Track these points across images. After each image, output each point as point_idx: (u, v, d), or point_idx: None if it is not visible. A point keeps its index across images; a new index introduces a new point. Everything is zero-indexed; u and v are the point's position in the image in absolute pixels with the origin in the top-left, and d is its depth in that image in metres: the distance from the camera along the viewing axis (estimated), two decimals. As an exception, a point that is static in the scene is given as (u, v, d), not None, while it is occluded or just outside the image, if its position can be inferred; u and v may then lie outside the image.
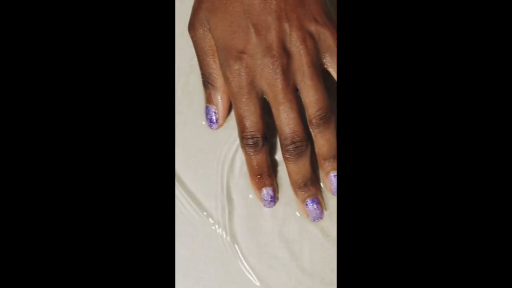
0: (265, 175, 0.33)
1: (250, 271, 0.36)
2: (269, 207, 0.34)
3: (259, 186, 0.34)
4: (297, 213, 0.36)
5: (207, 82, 0.34)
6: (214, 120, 0.34)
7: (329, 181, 0.33)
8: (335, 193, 0.34)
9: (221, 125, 0.35)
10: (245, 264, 0.36)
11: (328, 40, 0.32)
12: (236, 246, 0.36)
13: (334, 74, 0.33)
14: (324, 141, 0.33)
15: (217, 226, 0.36)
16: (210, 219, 0.36)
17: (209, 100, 0.34)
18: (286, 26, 0.31)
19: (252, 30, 0.31)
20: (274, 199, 0.34)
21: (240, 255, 0.36)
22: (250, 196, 0.36)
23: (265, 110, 0.34)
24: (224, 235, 0.36)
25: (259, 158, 0.33)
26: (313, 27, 0.32)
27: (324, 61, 0.32)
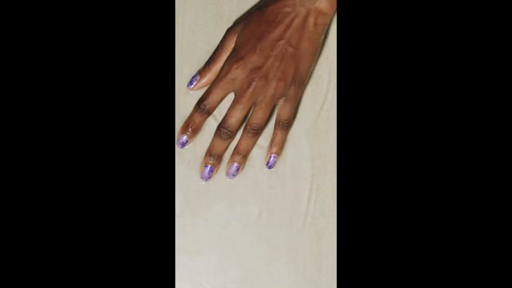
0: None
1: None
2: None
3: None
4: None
5: (208, 63, 0.45)
6: (193, 83, 0.45)
7: (230, 166, 0.44)
8: (229, 177, 0.44)
9: (193, 89, 0.45)
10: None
11: (291, 93, 0.44)
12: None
13: (277, 111, 0.45)
14: (245, 144, 0.44)
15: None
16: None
17: (201, 74, 0.45)
18: (276, 65, 0.43)
19: (257, 50, 0.43)
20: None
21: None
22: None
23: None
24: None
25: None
26: (289, 80, 0.43)
27: (280, 100, 0.44)
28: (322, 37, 0.45)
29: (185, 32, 0.45)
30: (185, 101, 0.44)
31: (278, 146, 0.44)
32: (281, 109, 0.44)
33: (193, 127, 0.44)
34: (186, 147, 0.44)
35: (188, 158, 0.44)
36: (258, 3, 0.46)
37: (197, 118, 0.44)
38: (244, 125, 0.44)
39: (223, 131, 0.43)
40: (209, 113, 0.44)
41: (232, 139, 0.44)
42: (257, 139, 0.44)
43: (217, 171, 0.44)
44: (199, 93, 0.44)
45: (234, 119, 0.43)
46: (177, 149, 0.44)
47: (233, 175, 0.44)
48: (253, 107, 0.43)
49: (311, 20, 0.43)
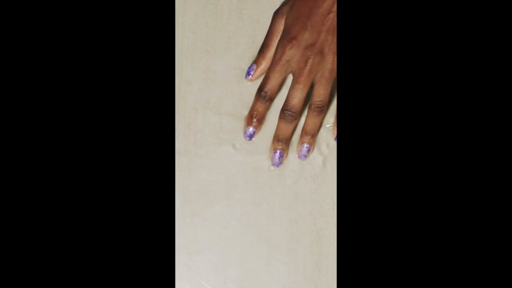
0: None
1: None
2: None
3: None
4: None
5: (261, 50, 0.45)
6: (250, 74, 0.45)
7: (300, 148, 0.44)
8: (301, 158, 0.44)
9: (252, 80, 0.45)
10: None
11: None
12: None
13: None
14: (312, 124, 0.43)
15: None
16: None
17: (257, 62, 0.45)
18: (330, 39, 0.42)
19: (308, 27, 0.42)
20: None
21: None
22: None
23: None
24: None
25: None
26: None
27: None
28: None
29: (185, 32, 0.45)
30: (185, 101, 0.44)
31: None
32: None
33: (257, 117, 0.44)
34: (253, 138, 0.44)
35: (188, 158, 0.44)
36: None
37: (260, 107, 0.44)
38: (308, 105, 0.43)
39: (287, 114, 0.43)
40: (271, 99, 0.43)
41: (298, 121, 0.44)
42: (323, 117, 0.44)
43: (286, 155, 0.44)
44: (198, 94, 0.44)
45: (296, 100, 0.42)
46: (177, 149, 0.43)
47: (305, 156, 0.44)
48: (314, 85, 0.43)
49: None
